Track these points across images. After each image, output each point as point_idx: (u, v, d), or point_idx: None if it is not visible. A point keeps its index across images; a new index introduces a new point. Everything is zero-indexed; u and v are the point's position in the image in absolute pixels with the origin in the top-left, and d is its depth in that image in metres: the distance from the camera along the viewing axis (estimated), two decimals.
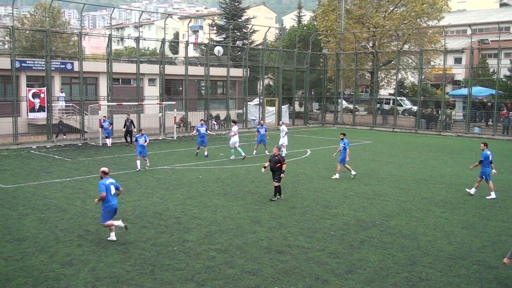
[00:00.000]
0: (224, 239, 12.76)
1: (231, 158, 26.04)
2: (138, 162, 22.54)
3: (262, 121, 30.29)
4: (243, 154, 25.89)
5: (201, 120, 29.65)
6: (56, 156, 26.65)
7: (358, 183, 20.25)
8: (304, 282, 10.12)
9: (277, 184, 16.85)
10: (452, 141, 37.10)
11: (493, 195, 17.91)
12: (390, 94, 55.96)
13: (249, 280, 10.14)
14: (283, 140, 27.46)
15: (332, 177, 21.19)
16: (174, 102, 37.12)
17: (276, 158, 16.66)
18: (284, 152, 27.02)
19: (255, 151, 27.89)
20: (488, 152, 17.98)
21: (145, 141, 22.57)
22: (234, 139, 26.16)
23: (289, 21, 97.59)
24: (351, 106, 52.96)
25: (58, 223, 13.98)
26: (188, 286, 9.81)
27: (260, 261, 11.20)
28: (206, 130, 27.13)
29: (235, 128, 26.58)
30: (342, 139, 21.24)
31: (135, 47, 38.23)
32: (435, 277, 10.46)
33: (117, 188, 12.54)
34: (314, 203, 16.73)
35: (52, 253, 11.56)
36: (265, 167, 17.35)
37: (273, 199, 16.99)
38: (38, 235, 12.92)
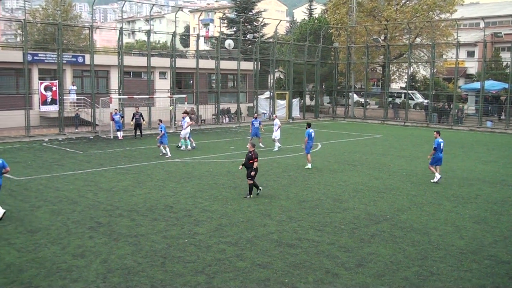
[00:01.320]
0: (235, 232, 12.79)
1: (181, 148, 26.81)
2: (162, 149, 24.73)
3: (256, 114, 30.31)
4: (189, 147, 26.76)
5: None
6: (68, 149, 26.83)
7: (369, 177, 20.19)
8: (314, 275, 10.12)
9: (250, 181, 16.31)
10: (464, 135, 36.83)
11: (437, 176, 19.17)
12: (401, 88, 55.63)
13: (259, 273, 10.17)
14: (276, 134, 27.30)
15: (306, 167, 21.81)
16: (184, 95, 37.17)
17: (250, 154, 16.27)
18: (277, 145, 27.12)
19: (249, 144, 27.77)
20: (440, 140, 19.34)
21: (161, 130, 24.56)
22: (186, 130, 26.84)
23: (300, 14, 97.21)
24: (362, 100, 52.74)
25: (70, 215, 14.10)
26: (198, 279, 9.86)
27: (270, 254, 11.21)
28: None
29: (187, 119, 27.08)
30: (307, 129, 22.12)
31: (146, 40, 38.33)
32: (446, 272, 10.42)
33: (3, 167, 13.61)
34: (324, 197, 16.71)
35: (64, 245, 11.66)
36: (242, 165, 16.55)
37: (247, 197, 16.35)
38: (50, 226, 13.04)
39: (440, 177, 19.21)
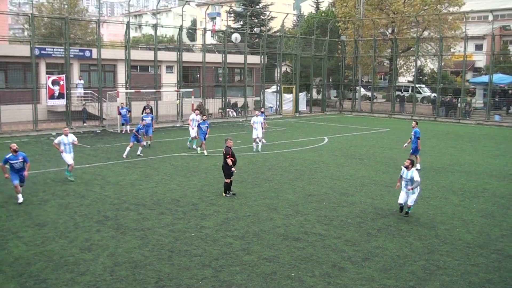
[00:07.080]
0: (241, 225, 12.82)
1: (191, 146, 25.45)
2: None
3: (262, 109, 29.81)
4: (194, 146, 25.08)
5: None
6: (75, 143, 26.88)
7: (376, 171, 20.15)
8: (321, 269, 10.13)
9: (227, 180, 15.81)
10: (471, 129, 36.64)
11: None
12: (409, 82, 55.35)
13: (265, 267, 10.19)
14: (257, 133, 25.28)
15: (199, 152, 23.61)
16: (191, 89, 37.17)
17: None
18: (262, 143, 26.08)
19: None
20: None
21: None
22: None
23: (307, 7, 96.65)
24: (369, 94, 52.55)
25: (78, 209, 14.18)
26: (205, 272, 9.90)
27: (276, 248, 11.24)
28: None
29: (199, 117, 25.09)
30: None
31: (153, 34, 38.33)
32: (452, 266, 10.40)
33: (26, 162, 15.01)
34: (331, 191, 16.70)
35: (72, 238, 11.74)
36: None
37: (224, 195, 15.90)
38: (58, 220, 13.12)
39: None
